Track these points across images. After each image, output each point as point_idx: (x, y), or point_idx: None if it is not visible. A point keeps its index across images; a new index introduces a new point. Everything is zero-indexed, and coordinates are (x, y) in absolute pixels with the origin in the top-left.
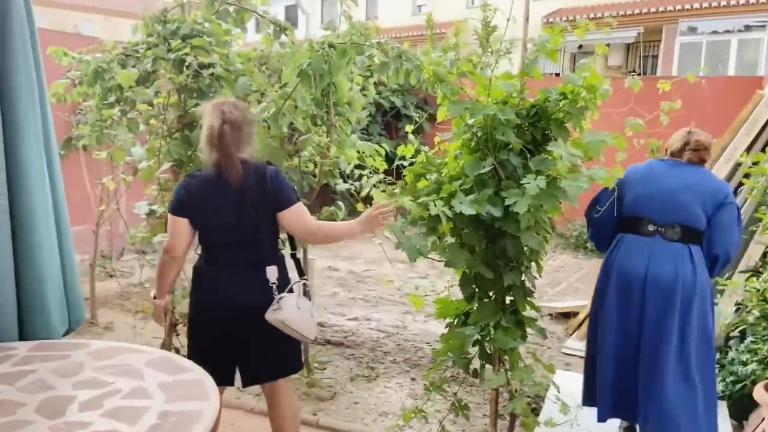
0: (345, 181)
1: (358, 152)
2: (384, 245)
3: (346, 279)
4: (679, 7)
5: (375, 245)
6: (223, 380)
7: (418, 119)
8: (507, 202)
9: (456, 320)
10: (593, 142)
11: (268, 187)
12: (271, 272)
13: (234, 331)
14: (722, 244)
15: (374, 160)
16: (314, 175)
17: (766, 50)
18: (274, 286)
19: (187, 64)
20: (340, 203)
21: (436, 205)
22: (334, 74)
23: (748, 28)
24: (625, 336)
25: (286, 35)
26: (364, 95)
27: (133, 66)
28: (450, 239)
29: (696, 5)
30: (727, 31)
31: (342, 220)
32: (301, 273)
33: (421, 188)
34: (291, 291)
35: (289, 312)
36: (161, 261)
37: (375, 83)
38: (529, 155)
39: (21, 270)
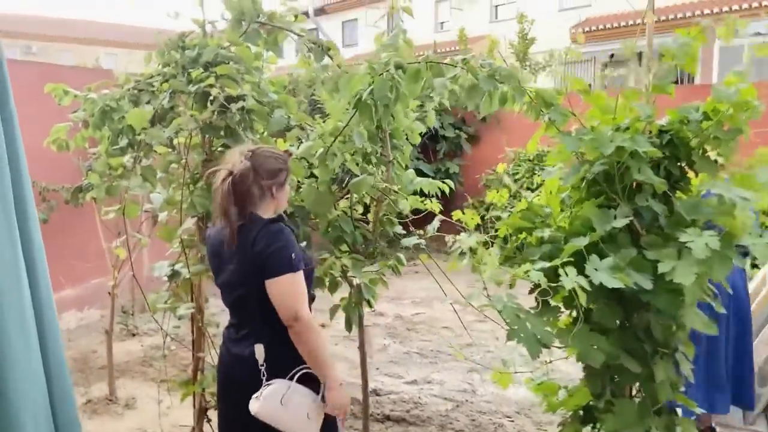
0: (407, 231)
1: (416, 192)
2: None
3: (394, 327)
4: (717, 9)
5: (420, 281)
6: None
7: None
8: (661, 268)
9: (572, 416)
10: None
11: (256, 250)
12: (259, 351)
13: (237, 416)
14: None
15: (431, 200)
16: (367, 222)
17: None
18: (263, 369)
19: (211, 97)
20: (401, 255)
21: (567, 274)
22: (402, 103)
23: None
24: None
25: (330, 56)
26: (421, 121)
27: (148, 102)
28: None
29: (735, 6)
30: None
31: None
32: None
33: (531, 248)
34: (292, 378)
35: (267, 406)
36: None
37: (435, 108)
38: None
39: None
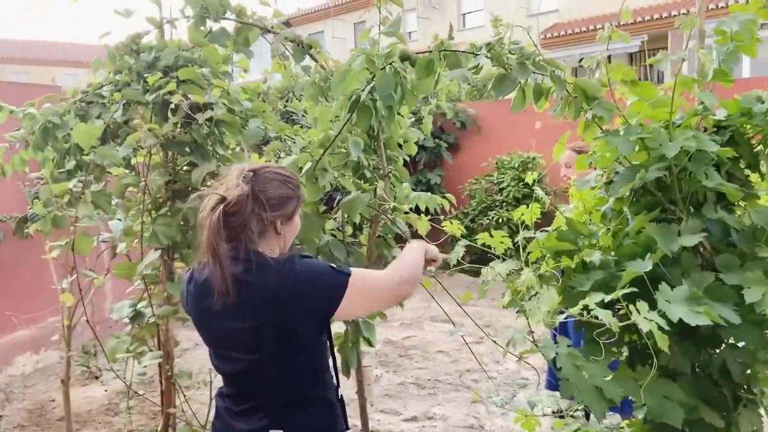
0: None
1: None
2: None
3: (386, 354)
4: (684, 11)
5: (408, 301)
6: None
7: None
8: (749, 297)
9: None
10: None
11: (284, 300)
12: None
13: None
14: None
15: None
16: (359, 245)
17: None
18: None
19: (173, 107)
20: None
21: (639, 311)
22: (409, 103)
23: (761, 27)
24: None
25: (313, 56)
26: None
27: (98, 117)
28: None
29: (712, 6)
30: None
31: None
32: (339, 425)
33: (579, 276)
34: None
35: None
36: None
37: (430, 111)
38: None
39: None
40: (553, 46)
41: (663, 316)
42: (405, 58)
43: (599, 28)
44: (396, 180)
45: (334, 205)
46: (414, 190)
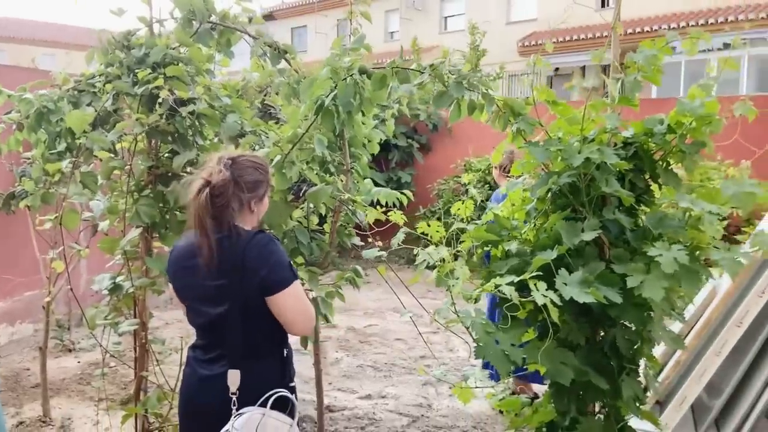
0: (365, 242)
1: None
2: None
3: (347, 339)
4: (656, 27)
5: (372, 292)
6: None
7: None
8: (630, 282)
9: None
10: (739, 195)
11: (249, 266)
12: (233, 377)
13: None
14: None
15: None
16: (323, 233)
17: (746, 68)
18: (234, 398)
19: (160, 100)
20: (359, 268)
21: (538, 289)
22: (366, 109)
23: (726, 46)
24: None
25: (288, 60)
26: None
27: (89, 104)
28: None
29: (673, 25)
30: (706, 50)
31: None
32: (287, 377)
33: (498, 262)
34: (264, 405)
35: None
36: None
37: (393, 115)
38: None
39: None
40: (529, 54)
41: (560, 295)
42: (363, 72)
43: (575, 39)
44: (358, 176)
45: (300, 195)
46: (384, 187)
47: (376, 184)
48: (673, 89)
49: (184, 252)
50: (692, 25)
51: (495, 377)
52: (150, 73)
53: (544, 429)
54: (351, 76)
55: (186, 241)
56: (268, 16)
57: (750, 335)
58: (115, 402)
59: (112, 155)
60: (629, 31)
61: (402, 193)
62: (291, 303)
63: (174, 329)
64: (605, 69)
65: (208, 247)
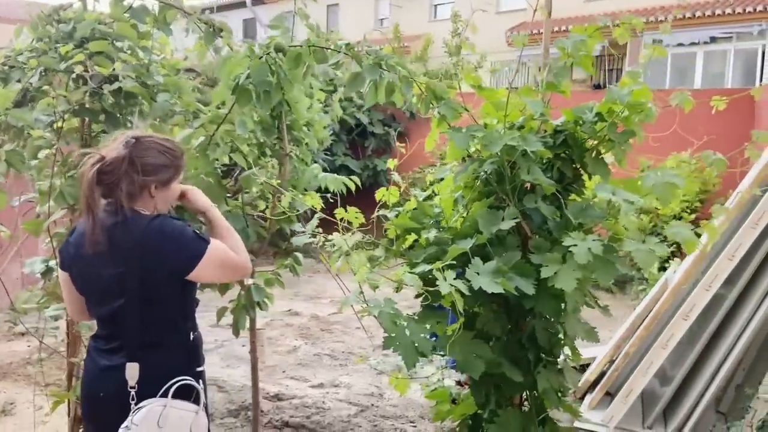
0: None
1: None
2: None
3: (308, 327)
4: (644, 19)
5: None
6: None
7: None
8: (544, 273)
9: (459, 426)
10: (660, 185)
11: (149, 253)
12: (132, 371)
13: None
14: None
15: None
16: (264, 219)
17: (732, 62)
18: (133, 392)
19: (75, 75)
20: (299, 255)
21: (446, 279)
22: (287, 89)
23: (713, 39)
24: None
25: (222, 38)
26: (326, 112)
27: (18, 81)
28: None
29: (661, 18)
30: (693, 44)
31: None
32: (193, 363)
33: (416, 250)
34: (166, 394)
35: None
36: None
37: (341, 99)
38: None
39: None
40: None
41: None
42: (279, 50)
43: (565, 30)
44: (300, 161)
45: (234, 177)
46: (360, 175)
47: (351, 171)
48: (660, 83)
49: (77, 239)
50: (680, 18)
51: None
52: (74, 48)
53: (470, 421)
54: (268, 54)
55: (80, 226)
56: (258, 0)
57: (699, 327)
58: (61, 387)
59: (46, 135)
60: (616, 23)
61: (350, 179)
62: (214, 267)
63: None
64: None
65: (94, 229)
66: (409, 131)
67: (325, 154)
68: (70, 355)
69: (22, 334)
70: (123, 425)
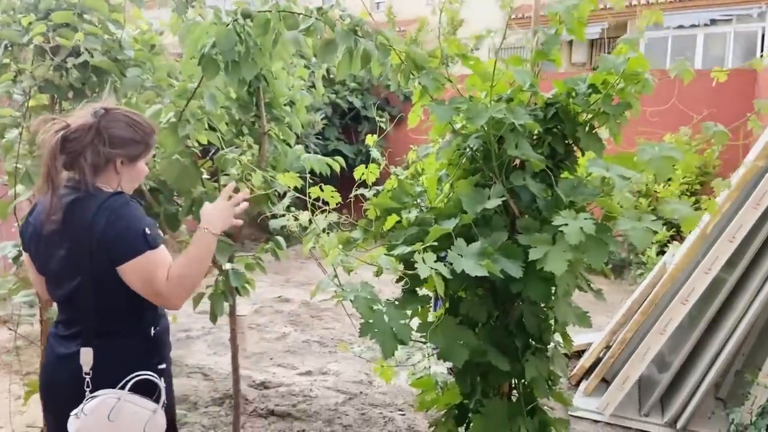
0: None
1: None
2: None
3: (298, 314)
4: (644, 1)
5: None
6: None
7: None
8: (532, 255)
9: (445, 416)
10: (656, 159)
11: (96, 235)
12: (86, 356)
13: (58, 429)
14: None
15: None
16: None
17: (732, 44)
18: (88, 378)
19: (35, 47)
20: (280, 239)
21: (425, 262)
22: (258, 60)
23: (713, 22)
24: None
25: (194, 8)
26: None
27: None
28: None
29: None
30: (693, 26)
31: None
32: (154, 359)
33: (397, 231)
34: (123, 387)
35: (90, 423)
36: None
37: (325, 77)
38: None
39: None
40: (516, 27)
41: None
42: (246, 15)
43: None
44: (279, 140)
45: (210, 157)
46: (354, 160)
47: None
48: (660, 65)
49: (37, 217)
50: (680, 0)
51: None
52: (37, 20)
53: (456, 411)
54: (235, 21)
55: (40, 203)
56: None
57: (698, 312)
58: (32, 379)
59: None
60: (626, 4)
61: (335, 160)
62: (138, 275)
63: None
64: (593, 43)
65: (51, 207)
66: (404, 115)
67: (317, 139)
68: (42, 344)
69: (5, 322)
70: (73, 412)
